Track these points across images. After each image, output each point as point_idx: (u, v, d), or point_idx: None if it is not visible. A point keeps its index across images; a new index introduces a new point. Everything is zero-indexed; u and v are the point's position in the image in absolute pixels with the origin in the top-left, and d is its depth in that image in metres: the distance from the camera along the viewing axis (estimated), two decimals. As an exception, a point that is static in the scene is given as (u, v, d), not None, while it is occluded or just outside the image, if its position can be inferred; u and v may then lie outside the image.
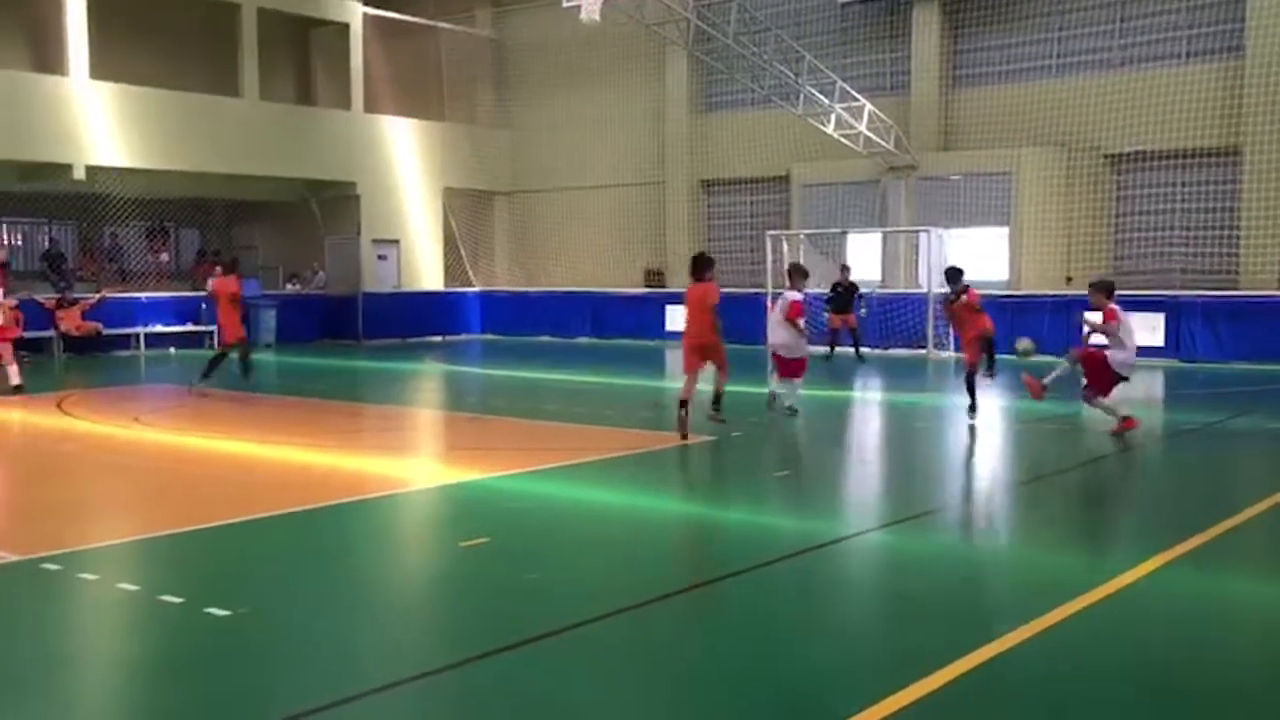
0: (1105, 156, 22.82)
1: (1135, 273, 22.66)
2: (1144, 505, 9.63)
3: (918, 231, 23.44)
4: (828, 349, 21.39)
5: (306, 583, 6.77)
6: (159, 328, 24.70)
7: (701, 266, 12.03)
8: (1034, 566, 7.23)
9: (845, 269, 21.77)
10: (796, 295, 13.54)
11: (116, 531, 8.14)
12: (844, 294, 21.23)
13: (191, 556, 7.49)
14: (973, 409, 13.27)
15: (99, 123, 23.89)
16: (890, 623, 6.19)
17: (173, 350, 24.48)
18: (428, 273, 30.23)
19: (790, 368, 13.67)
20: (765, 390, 14.53)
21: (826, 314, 21.51)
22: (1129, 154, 22.56)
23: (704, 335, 11.96)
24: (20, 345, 21.60)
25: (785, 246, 23.79)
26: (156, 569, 7.25)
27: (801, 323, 13.49)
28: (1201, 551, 7.27)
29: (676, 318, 26.56)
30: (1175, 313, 20.48)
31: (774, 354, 13.94)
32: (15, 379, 16.12)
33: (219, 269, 18.74)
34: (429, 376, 21.08)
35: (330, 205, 28.66)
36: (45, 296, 23.16)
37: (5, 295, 17.03)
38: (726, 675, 5.22)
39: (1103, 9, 22.89)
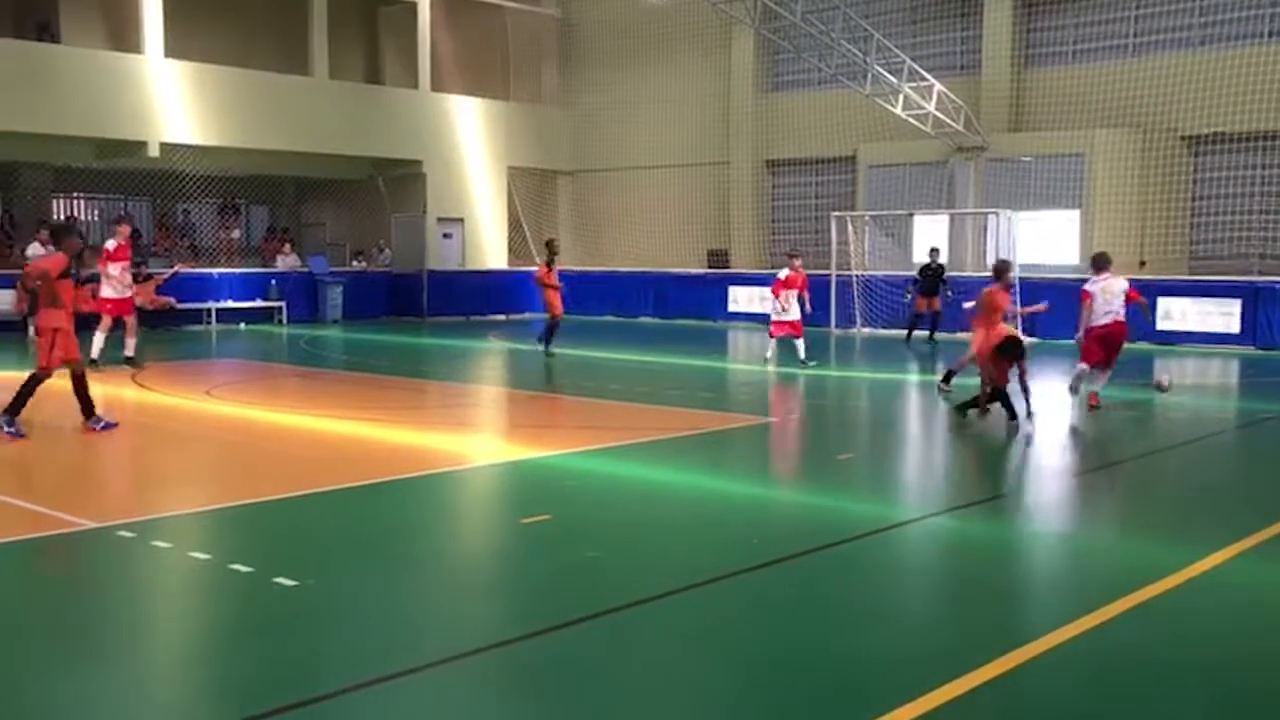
0: (1182, 138, 22.27)
1: (1212, 258, 22.16)
2: (1215, 495, 9.43)
3: (986, 214, 23.09)
4: (906, 332, 21.24)
5: (371, 556, 6.88)
6: (230, 303, 25.16)
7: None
8: (1102, 555, 7.12)
9: (935, 251, 21.53)
10: (780, 274, 17.11)
11: (189, 501, 8.33)
12: (931, 277, 21.06)
13: (261, 527, 7.65)
14: (1013, 416, 11.70)
15: (173, 101, 24.33)
16: (947, 611, 6.14)
17: (243, 325, 24.93)
18: (491, 251, 30.43)
19: (781, 328, 17.03)
20: (830, 373, 14.49)
21: (909, 296, 21.35)
22: (1206, 136, 22.00)
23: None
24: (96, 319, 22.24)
25: (850, 228, 23.60)
26: (227, 539, 7.41)
27: (779, 299, 16.92)
28: (1274, 544, 7.11)
29: (738, 298, 26.57)
30: (1253, 299, 19.97)
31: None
32: (130, 350, 16.29)
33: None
34: (492, 354, 21.24)
35: (397, 183, 28.94)
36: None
37: (133, 267, 17.10)
38: (781, 658, 5.21)
39: (1181, -13, 22.31)
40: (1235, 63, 21.39)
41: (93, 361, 15.48)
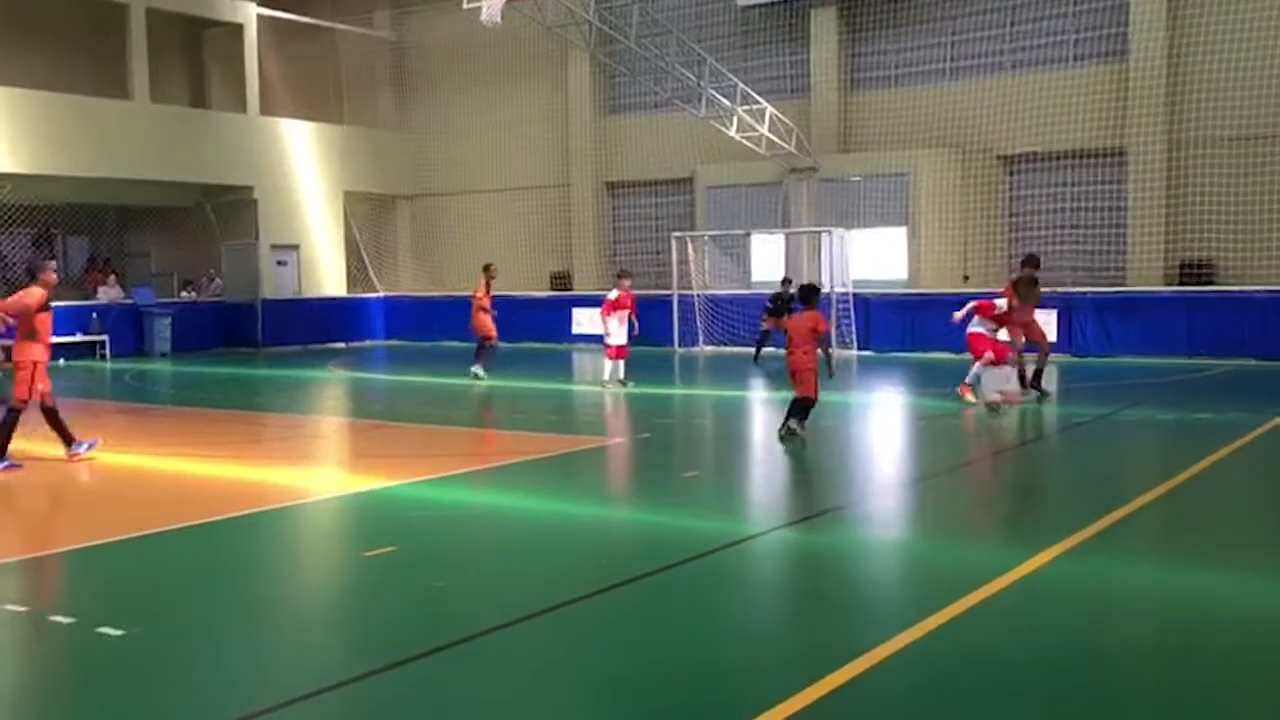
0: (998, 158, 23.43)
1: (1029, 270, 23.27)
2: (1039, 497, 9.90)
3: (819, 232, 23.78)
4: (755, 350, 21.52)
5: (205, 599, 6.59)
6: (47, 338, 23.81)
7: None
8: (932, 561, 7.37)
9: (787, 281, 21.91)
10: (610, 295, 17.22)
11: (4, 549, 7.82)
12: (782, 303, 21.49)
13: (84, 575, 7.25)
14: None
15: (-20, 126, 23.00)
16: (795, 622, 6.26)
17: (62, 361, 23.64)
18: (329, 278, 29.73)
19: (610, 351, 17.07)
20: (674, 392, 14.61)
21: (764, 318, 21.57)
22: (1020, 155, 23.20)
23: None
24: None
25: (690, 248, 23.97)
26: (46, 589, 6.99)
27: (609, 319, 16.96)
28: (1095, 542, 7.49)
29: (582, 320, 26.63)
30: (1067, 309, 21.11)
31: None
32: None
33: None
34: (331, 383, 20.72)
35: (227, 210, 28.00)
36: (-76, 307, 22.16)
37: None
38: (634, 677, 5.21)
39: (992, 14, 23.49)
40: (1044, 86, 22.65)
41: None
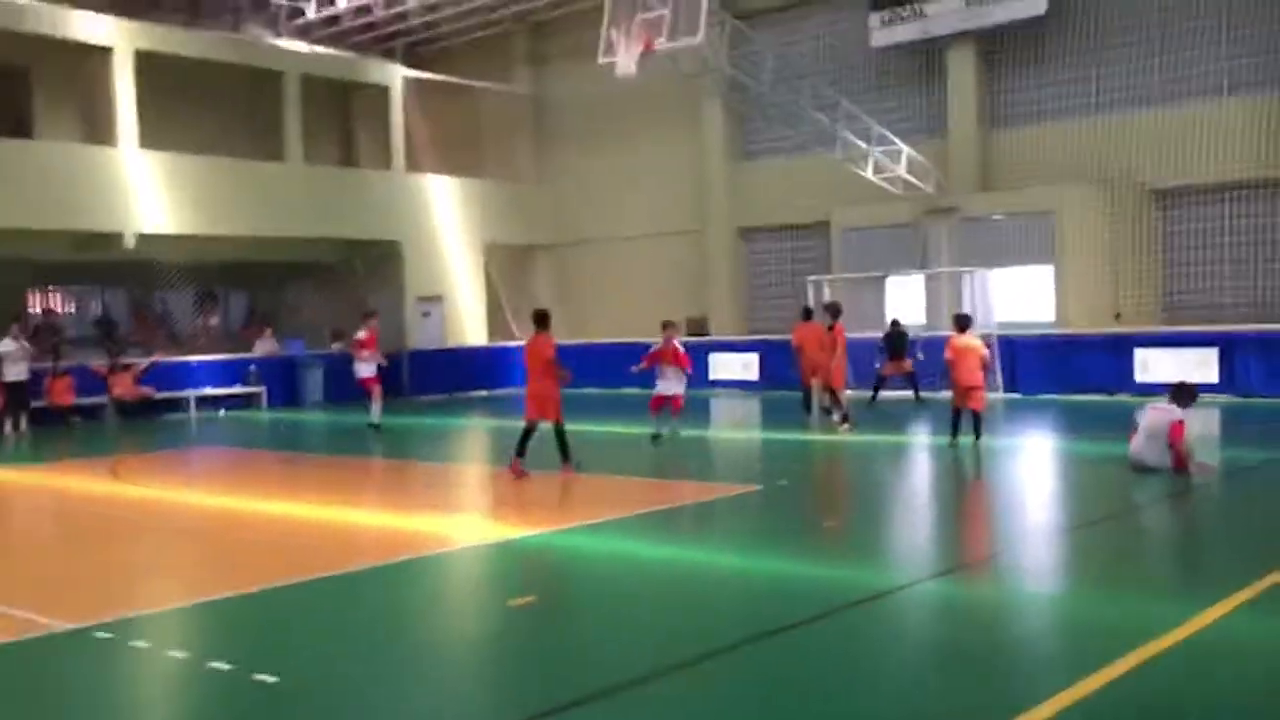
0: (1150, 192, 22.57)
1: (1186, 308, 22.33)
2: (1204, 548, 9.39)
3: (960, 273, 23.26)
4: (872, 394, 21.23)
5: (354, 646, 6.74)
6: (209, 390, 25.00)
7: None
8: (1091, 616, 7.04)
9: (896, 322, 21.75)
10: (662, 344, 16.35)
11: (168, 597, 8.16)
12: (897, 340, 21.23)
13: (241, 622, 7.50)
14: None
15: (148, 191, 24.40)
16: (946, 678, 6.04)
17: (222, 412, 24.76)
18: (471, 328, 30.43)
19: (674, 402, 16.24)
20: (808, 437, 14.42)
21: (883, 362, 21.36)
22: (1173, 189, 22.30)
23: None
24: (74, 411, 22.06)
25: (826, 291, 23.73)
26: (206, 635, 7.25)
27: (670, 370, 16.19)
28: (1268, 597, 7.05)
29: (718, 365, 26.59)
30: (1228, 348, 20.08)
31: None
32: None
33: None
34: (474, 431, 21.13)
35: (374, 264, 28.98)
36: (98, 363, 23.53)
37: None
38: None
39: (1141, 45, 22.74)
40: (1198, 117, 21.77)
41: None
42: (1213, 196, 21.92)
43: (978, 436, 14.24)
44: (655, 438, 15.76)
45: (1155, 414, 11.87)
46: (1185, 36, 22.20)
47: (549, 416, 13.20)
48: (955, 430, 14.22)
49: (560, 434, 13.20)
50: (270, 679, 5.99)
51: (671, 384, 16.22)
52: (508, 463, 13.21)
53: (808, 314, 19.43)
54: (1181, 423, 11.62)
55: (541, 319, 13.48)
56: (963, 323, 14.61)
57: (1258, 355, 19.97)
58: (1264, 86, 21.34)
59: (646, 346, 17.13)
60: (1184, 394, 12.08)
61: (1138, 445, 11.89)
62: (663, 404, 16.20)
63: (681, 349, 16.43)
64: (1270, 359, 19.86)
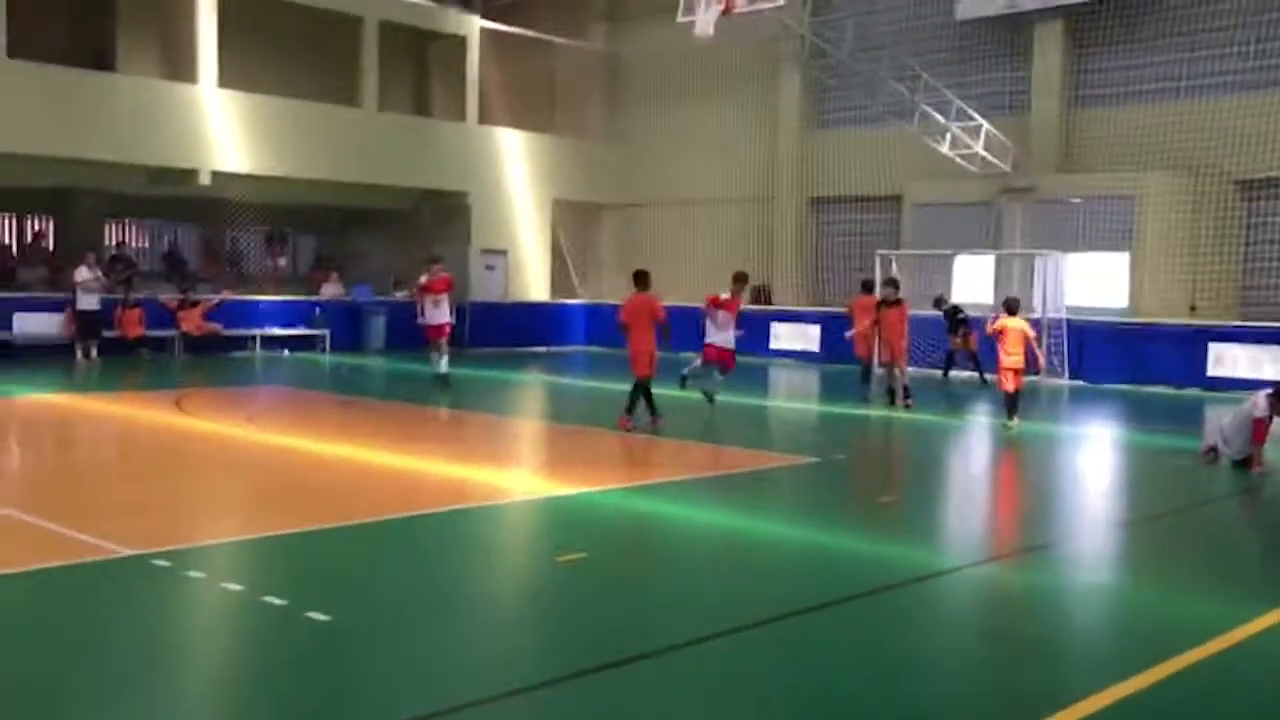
0: (1235, 182, 21.91)
1: (1265, 304, 21.71)
2: (1270, 549, 9.16)
3: (1033, 255, 22.82)
4: (944, 369, 21.03)
5: (404, 591, 6.81)
6: (275, 330, 25.36)
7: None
8: (1145, 611, 6.90)
9: (941, 300, 21.56)
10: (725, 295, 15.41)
11: (225, 531, 8.32)
12: (954, 318, 20.97)
13: (296, 559, 7.61)
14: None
15: (225, 130, 24.67)
16: (990, 664, 5.96)
17: (286, 353, 25.10)
18: (534, 284, 30.50)
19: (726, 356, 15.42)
20: (870, 412, 14.29)
21: (957, 338, 21.07)
22: (1260, 180, 21.63)
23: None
24: (143, 343, 22.50)
25: (894, 265, 23.43)
26: (261, 570, 7.37)
27: (720, 315, 15.29)
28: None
29: (780, 334, 26.43)
30: (1308, 344, 19.53)
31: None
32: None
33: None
34: (533, 387, 21.24)
35: (441, 215, 29.11)
36: (168, 297, 23.96)
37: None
38: (820, 707, 5.07)
39: (1236, 30, 21.97)
40: (1288, 107, 21.07)
41: None
42: (1302, 190, 21.24)
43: (1010, 417, 14.34)
44: (710, 398, 15.44)
45: (1246, 406, 11.61)
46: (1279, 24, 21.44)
47: (652, 373, 13.67)
48: (1010, 411, 14.34)
49: (649, 390, 13.67)
50: (322, 617, 6.07)
51: (730, 335, 15.39)
52: (615, 419, 13.58)
53: (868, 287, 19.24)
54: (1264, 420, 11.32)
55: (643, 278, 14.00)
56: (1011, 305, 14.75)
57: (1339, 355, 19.38)
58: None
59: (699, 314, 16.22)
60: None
61: (1217, 429, 11.67)
62: (719, 357, 15.41)
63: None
64: (1350, 360, 19.28)
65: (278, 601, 6.35)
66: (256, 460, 11.67)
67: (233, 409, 15.36)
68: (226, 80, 24.65)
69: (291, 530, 8.21)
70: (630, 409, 13.51)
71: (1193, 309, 21.94)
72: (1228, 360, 20.18)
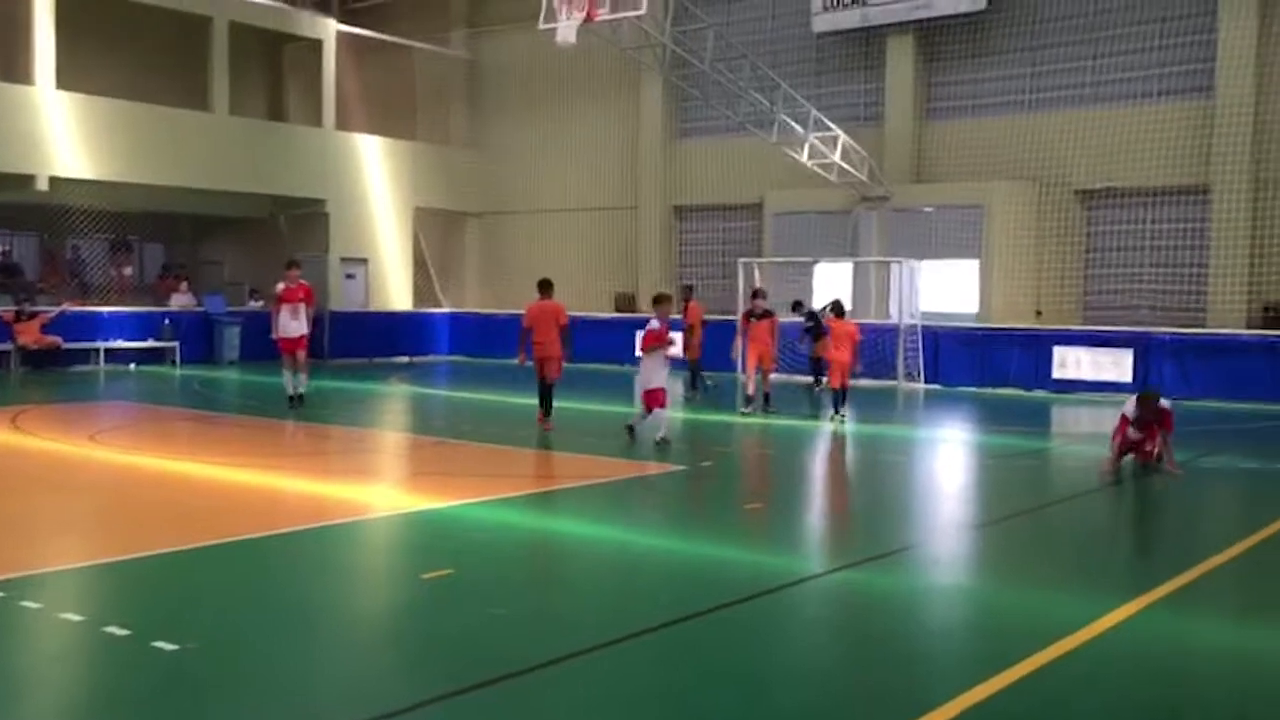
0: (1076, 192, 22.94)
1: (1105, 308, 22.77)
2: (1113, 549, 9.54)
3: (889, 262, 23.45)
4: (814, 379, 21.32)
5: (260, 615, 6.52)
6: (120, 343, 24.27)
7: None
8: (1002, 611, 7.09)
9: (800, 304, 22.09)
10: (653, 324, 13.34)
11: (64, 556, 7.85)
12: (817, 325, 21.32)
13: (141, 585, 7.22)
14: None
15: (64, 134, 23.53)
16: (856, 668, 6.02)
17: (133, 366, 24.06)
18: (396, 292, 29.95)
19: (647, 398, 13.24)
20: (734, 420, 14.43)
21: (817, 346, 21.37)
22: (1099, 190, 22.70)
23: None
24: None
25: (756, 273, 23.76)
26: (104, 598, 6.97)
27: (658, 352, 13.26)
28: (1174, 599, 7.16)
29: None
30: (1144, 349, 20.54)
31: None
32: None
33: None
34: (394, 398, 20.80)
35: (298, 222, 28.35)
36: (3, 309, 22.69)
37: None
38: (696, 717, 5.03)
39: (1076, 46, 23.05)
40: (1126, 120, 22.16)
41: None
42: (1136, 200, 22.35)
43: (835, 411, 15.86)
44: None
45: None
46: (1120, 40, 22.56)
47: (557, 375, 14.60)
48: (837, 405, 15.96)
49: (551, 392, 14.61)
50: (169, 646, 5.75)
51: (664, 373, 13.47)
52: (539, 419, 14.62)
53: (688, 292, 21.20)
54: (1126, 419, 11.75)
55: (547, 285, 14.89)
56: (838, 308, 17.18)
57: (1172, 358, 20.45)
58: (1194, 93, 21.77)
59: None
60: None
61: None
62: (651, 399, 13.25)
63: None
64: (1182, 362, 20.36)
65: (121, 632, 6.00)
66: (100, 481, 11.09)
67: (75, 426, 14.60)
68: (65, 82, 23.54)
69: (137, 555, 7.79)
70: (547, 410, 14.53)
71: (1038, 314, 22.87)
72: (1071, 363, 21.07)
